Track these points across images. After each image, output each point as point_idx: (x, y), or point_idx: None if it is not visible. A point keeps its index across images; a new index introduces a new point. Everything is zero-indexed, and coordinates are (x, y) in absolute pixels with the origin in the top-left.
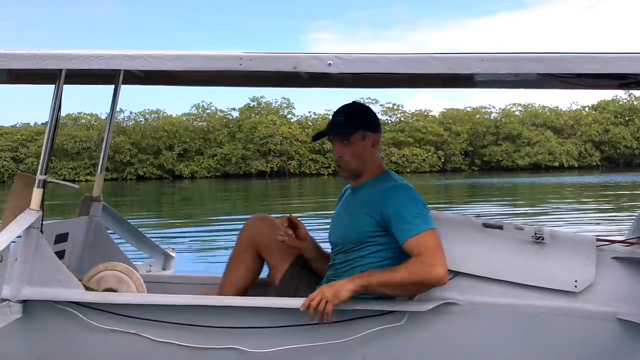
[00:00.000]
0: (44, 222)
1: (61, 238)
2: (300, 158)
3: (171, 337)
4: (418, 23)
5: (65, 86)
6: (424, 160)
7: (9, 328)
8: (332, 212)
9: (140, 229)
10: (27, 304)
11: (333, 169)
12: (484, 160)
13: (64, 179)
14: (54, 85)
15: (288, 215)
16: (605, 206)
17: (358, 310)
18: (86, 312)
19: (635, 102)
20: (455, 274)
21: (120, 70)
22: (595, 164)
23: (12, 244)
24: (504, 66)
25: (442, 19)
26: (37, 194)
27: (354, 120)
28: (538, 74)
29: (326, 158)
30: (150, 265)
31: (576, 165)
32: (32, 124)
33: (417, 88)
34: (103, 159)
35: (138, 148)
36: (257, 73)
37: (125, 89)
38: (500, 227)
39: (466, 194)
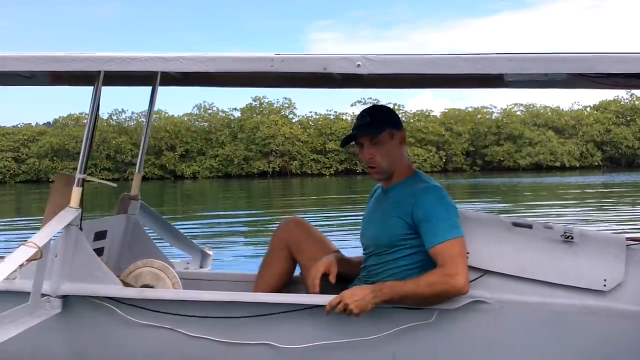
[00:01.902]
0: (83, 220)
1: (100, 236)
2: (302, 158)
3: (205, 333)
4: (418, 23)
5: (64, 87)
6: (425, 160)
7: (49, 322)
8: (334, 210)
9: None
10: (66, 300)
11: (335, 169)
12: (485, 160)
13: None
14: (92, 87)
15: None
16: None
17: (389, 307)
18: (123, 308)
19: (637, 102)
20: (484, 272)
21: (157, 72)
22: (596, 164)
23: (52, 241)
24: (532, 66)
25: (443, 19)
26: (76, 192)
27: (380, 120)
28: (568, 74)
29: (327, 158)
30: (188, 263)
31: (578, 166)
32: (33, 124)
33: (447, 88)
34: (141, 158)
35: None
36: (288, 74)
37: (126, 89)
38: (530, 226)
39: (467, 194)
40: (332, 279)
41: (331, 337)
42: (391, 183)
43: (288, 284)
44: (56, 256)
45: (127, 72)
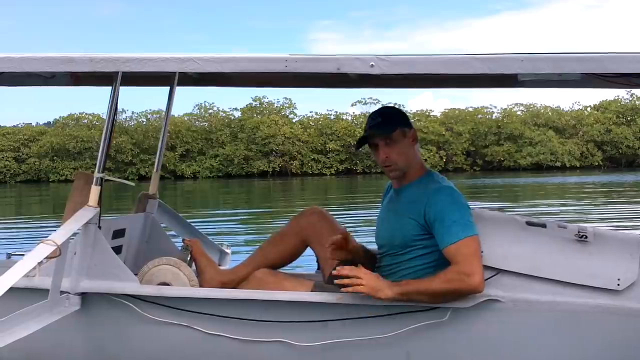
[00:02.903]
0: (102, 218)
1: (119, 234)
2: (302, 158)
3: (222, 330)
4: (420, 23)
5: (63, 87)
6: (425, 160)
7: (68, 319)
8: (334, 208)
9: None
10: (85, 297)
11: (335, 169)
12: (485, 160)
13: (65, 179)
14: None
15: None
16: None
17: (402, 305)
18: (141, 305)
19: (637, 102)
20: (498, 271)
21: (175, 72)
22: (597, 164)
23: (72, 239)
24: (544, 66)
25: (444, 19)
26: (94, 191)
27: (391, 119)
28: (582, 73)
29: (328, 158)
30: None
31: (578, 165)
32: (33, 124)
33: (462, 88)
34: (159, 158)
35: (140, 148)
36: (302, 74)
37: (126, 89)
38: (544, 226)
39: (469, 194)
40: (350, 246)
41: (346, 335)
42: (404, 183)
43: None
44: (75, 254)
45: (144, 72)
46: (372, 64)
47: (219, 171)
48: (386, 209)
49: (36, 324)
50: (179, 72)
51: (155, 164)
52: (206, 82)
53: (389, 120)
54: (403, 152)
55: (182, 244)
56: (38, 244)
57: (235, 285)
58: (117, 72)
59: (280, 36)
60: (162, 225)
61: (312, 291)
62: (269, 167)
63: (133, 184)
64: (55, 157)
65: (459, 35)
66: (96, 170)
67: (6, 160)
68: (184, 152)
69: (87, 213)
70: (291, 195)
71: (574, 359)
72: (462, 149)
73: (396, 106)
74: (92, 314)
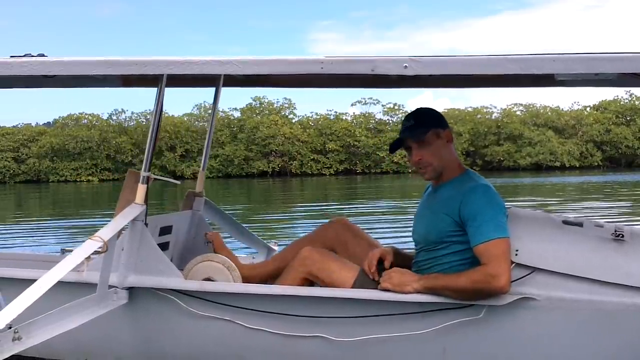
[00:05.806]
0: (150, 215)
1: (165, 231)
2: (302, 158)
3: (263, 325)
4: (420, 23)
5: (63, 88)
6: None
7: (116, 312)
8: (332, 206)
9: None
10: (132, 291)
11: (335, 169)
12: (485, 160)
13: (65, 180)
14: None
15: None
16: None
17: (439, 303)
18: (185, 300)
19: (636, 102)
20: (533, 269)
21: (220, 74)
22: (596, 164)
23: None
24: (576, 66)
25: (444, 19)
26: (141, 189)
27: (425, 121)
28: (618, 72)
29: (327, 158)
30: (253, 258)
31: (577, 165)
32: (33, 124)
33: (497, 87)
34: (205, 157)
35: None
36: (338, 76)
37: (126, 89)
38: (580, 225)
39: None
40: (387, 264)
41: (383, 331)
42: (441, 181)
43: None
44: (123, 249)
45: (189, 74)
46: (405, 65)
47: (219, 171)
48: (424, 206)
49: (84, 317)
50: (224, 74)
51: (202, 163)
52: (250, 83)
53: (422, 123)
54: (437, 152)
55: (205, 237)
56: (86, 240)
57: (257, 280)
58: (162, 75)
59: (280, 36)
60: (209, 222)
61: (356, 279)
62: (269, 167)
63: (179, 182)
64: (54, 158)
65: (459, 35)
66: (142, 169)
67: (6, 160)
68: (184, 153)
69: (133, 210)
70: (292, 194)
71: (608, 358)
72: (461, 149)
73: (390, 106)
74: (139, 307)
